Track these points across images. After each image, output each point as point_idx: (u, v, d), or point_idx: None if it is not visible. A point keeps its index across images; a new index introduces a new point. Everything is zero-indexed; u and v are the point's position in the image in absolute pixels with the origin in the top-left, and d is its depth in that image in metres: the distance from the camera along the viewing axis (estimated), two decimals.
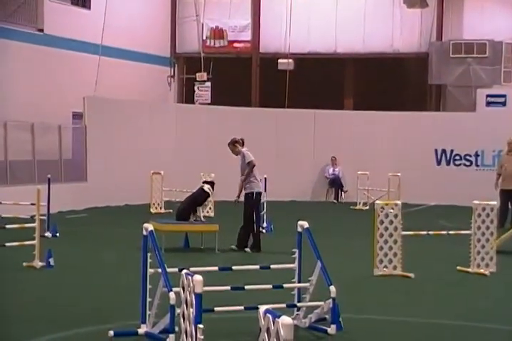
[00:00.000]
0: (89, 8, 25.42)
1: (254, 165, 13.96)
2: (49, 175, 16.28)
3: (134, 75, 27.13)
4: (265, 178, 17.21)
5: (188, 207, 14.40)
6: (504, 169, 18.00)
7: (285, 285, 8.09)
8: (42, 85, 23.20)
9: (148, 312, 7.57)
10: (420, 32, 28.31)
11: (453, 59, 27.04)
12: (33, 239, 11.69)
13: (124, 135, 22.90)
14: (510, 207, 17.75)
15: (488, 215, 12.08)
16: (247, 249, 13.71)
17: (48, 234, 15.08)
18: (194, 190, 15.19)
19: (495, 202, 12.48)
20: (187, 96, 29.97)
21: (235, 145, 14.27)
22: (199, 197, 14.56)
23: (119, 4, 25.70)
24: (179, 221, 14.22)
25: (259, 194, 13.94)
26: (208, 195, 14.59)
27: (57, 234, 15.25)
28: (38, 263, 11.60)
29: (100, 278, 11.17)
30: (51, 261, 11.65)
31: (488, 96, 25.81)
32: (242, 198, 13.91)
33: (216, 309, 7.47)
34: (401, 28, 28.42)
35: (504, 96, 25.62)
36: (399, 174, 23.08)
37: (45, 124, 21.36)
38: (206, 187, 14.62)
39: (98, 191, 21.46)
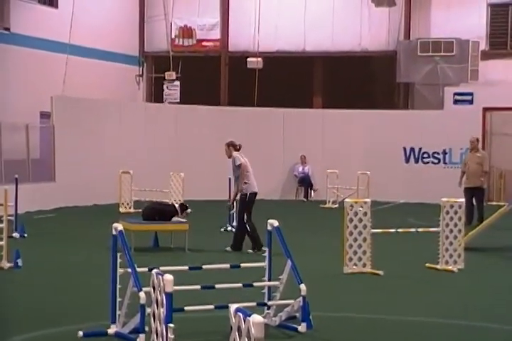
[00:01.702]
0: (57, 6, 25.24)
1: (240, 167, 13.95)
2: (16, 175, 16.14)
3: (102, 74, 26.99)
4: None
5: (154, 213, 14.11)
6: (467, 167, 18.25)
7: (255, 284, 8.10)
8: (9, 84, 23.02)
9: (118, 312, 7.54)
10: (388, 30, 28.45)
11: (420, 57, 27.19)
12: (1, 239, 11.59)
13: (93, 134, 22.78)
14: (475, 204, 17.91)
15: (456, 212, 12.18)
16: (250, 250, 13.52)
17: (15, 235, 14.96)
18: (164, 200, 14.95)
19: (463, 200, 12.59)
20: (156, 95, 29.88)
21: (229, 147, 14.28)
22: (166, 213, 14.16)
23: (86, 3, 25.54)
24: (146, 220, 14.07)
25: (253, 194, 13.89)
26: (175, 214, 14.24)
27: (25, 235, 15.14)
28: (5, 264, 11.51)
29: (69, 278, 11.10)
30: (19, 261, 11.56)
31: (455, 94, 26.01)
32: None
33: (186, 308, 7.45)
34: (369, 26, 28.54)
35: (471, 94, 25.83)
36: (368, 172, 23.19)
37: (12, 124, 21.19)
38: (177, 206, 14.40)
39: (66, 191, 21.33)
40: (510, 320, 8.93)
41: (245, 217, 13.83)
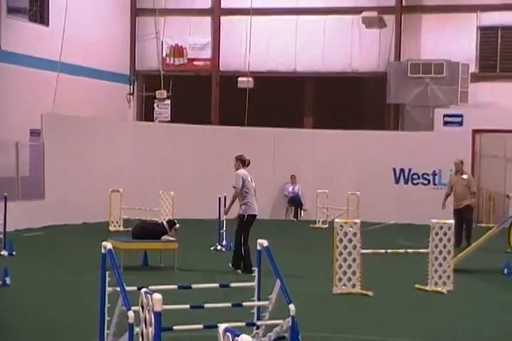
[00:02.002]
0: (48, 24, 25.28)
1: (237, 190, 13.84)
2: (6, 193, 16.09)
3: (92, 92, 27.00)
4: (225, 196, 17.18)
5: (144, 232, 14.06)
6: (454, 190, 18.42)
7: (244, 304, 8.07)
8: None
9: (106, 331, 7.49)
10: (379, 52, 28.60)
11: (411, 79, 27.32)
12: None
13: (83, 152, 22.75)
14: (464, 225, 18.01)
15: (445, 234, 12.19)
16: (238, 271, 13.49)
17: (4, 253, 14.91)
18: (154, 219, 14.88)
19: (452, 221, 12.60)
20: (146, 113, 29.91)
21: (237, 161, 14.14)
22: (156, 232, 14.05)
23: (77, 21, 25.58)
24: (136, 239, 14.03)
25: (251, 216, 13.80)
26: (165, 233, 14.23)
27: (14, 253, 15.07)
28: None
29: (58, 296, 11.05)
30: (7, 279, 11.50)
31: (445, 116, 26.10)
32: (231, 215, 14.32)
33: (175, 328, 7.41)
34: (360, 47, 28.69)
35: (461, 116, 25.92)
36: (358, 192, 23.21)
37: (2, 141, 21.14)
38: (165, 224, 14.34)
39: (56, 209, 21.26)
40: None
41: (242, 239, 13.67)
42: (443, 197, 18.74)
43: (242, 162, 14.15)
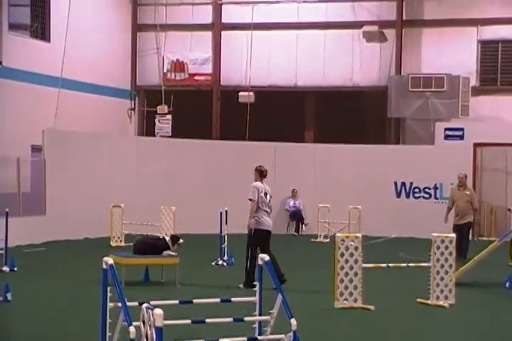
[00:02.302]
0: (49, 40, 25.36)
1: (256, 203, 13.58)
2: (7, 209, 16.08)
3: (94, 108, 27.07)
4: (226, 211, 17.18)
5: (146, 247, 14.03)
6: (456, 205, 18.23)
7: (246, 319, 8.05)
8: (0, 118, 23.03)
9: None
10: (379, 66, 28.66)
11: (411, 93, 27.36)
12: None
13: (84, 168, 22.76)
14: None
15: (446, 247, 12.17)
16: (240, 285, 13.24)
17: (5, 269, 14.89)
18: (155, 234, 14.79)
19: (453, 235, 12.57)
20: (147, 128, 29.95)
21: (255, 173, 13.82)
22: (158, 247, 14.01)
23: (78, 37, 25.68)
24: (137, 254, 14.01)
25: (259, 231, 13.40)
26: (166, 248, 14.13)
27: (15, 268, 15.05)
28: None
29: (59, 312, 11.03)
30: (8, 295, 11.48)
31: (446, 129, 26.12)
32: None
33: None
34: (360, 61, 28.75)
35: (462, 129, 25.94)
36: (359, 206, 23.20)
37: (3, 157, 21.16)
38: (168, 239, 14.31)
39: (57, 225, 21.24)
40: None
41: (249, 254, 13.40)
42: (445, 210, 18.62)
43: (260, 173, 13.79)
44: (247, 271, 13.36)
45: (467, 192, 18.41)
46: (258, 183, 13.77)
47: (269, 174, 25.88)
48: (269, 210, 13.75)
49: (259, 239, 13.47)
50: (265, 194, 13.74)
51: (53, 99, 23.58)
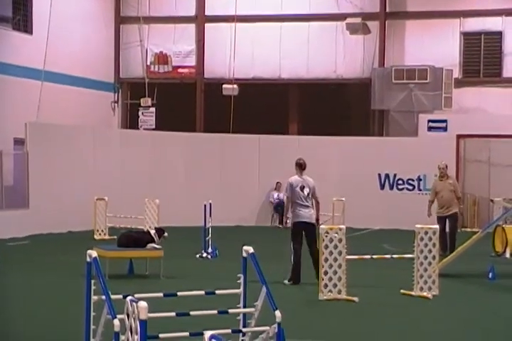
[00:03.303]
0: (31, 33, 25.23)
1: (288, 199, 13.62)
2: None
3: (77, 101, 26.96)
4: (210, 203, 17.18)
5: (130, 241, 13.99)
6: (441, 196, 17.57)
7: (230, 311, 8.06)
8: None
9: (92, 340, 7.47)
10: (363, 58, 28.70)
11: (395, 84, 27.42)
12: None
13: (67, 161, 22.68)
14: (448, 233, 17.48)
15: (430, 239, 12.22)
16: (285, 281, 13.15)
17: None
18: (139, 227, 14.75)
19: (437, 226, 12.63)
20: (131, 121, 29.88)
21: (295, 166, 13.77)
22: (142, 240, 13.96)
23: (61, 29, 25.56)
24: (121, 247, 13.98)
25: (297, 223, 13.28)
26: (151, 242, 14.14)
27: None
28: None
29: (43, 305, 11.00)
30: None
31: (429, 121, 26.21)
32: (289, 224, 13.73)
33: (161, 335, 7.39)
34: (344, 54, 28.77)
35: (445, 121, 26.04)
36: (343, 199, 23.24)
37: None
38: (153, 232, 14.30)
39: (40, 218, 21.18)
40: None
41: (292, 247, 13.28)
42: (427, 204, 17.97)
43: (297, 166, 13.72)
44: (293, 266, 13.22)
45: (450, 181, 17.95)
46: (293, 178, 13.67)
47: (253, 166, 26.29)
48: (306, 203, 13.48)
49: (297, 231, 13.35)
50: (302, 188, 13.54)
51: (36, 92, 23.47)
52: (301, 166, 13.74)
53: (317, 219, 13.66)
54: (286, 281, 13.15)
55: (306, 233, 13.33)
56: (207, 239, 16.85)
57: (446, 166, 18.27)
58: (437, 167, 18.19)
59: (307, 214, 13.41)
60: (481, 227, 19.45)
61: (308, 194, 13.53)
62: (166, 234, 14.17)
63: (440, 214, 17.59)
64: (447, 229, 17.35)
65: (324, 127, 27.59)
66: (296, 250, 13.23)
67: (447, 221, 17.52)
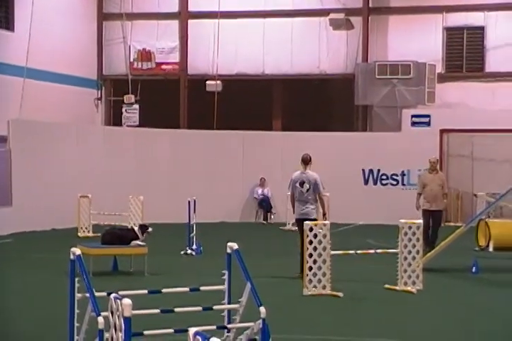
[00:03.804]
0: (13, 30, 25.06)
1: (291, 195, 13.65)
2: None
3: (60, 98, 26.83)
4: (194, 200, 17.17)
5: (114, 238, 13.96)
6: (430, 189, 17.16)
7: (215, 307, 8.06)
8: None
9: (76, 338, 7.46)
10: (346, 53, 28.72)
11: (378, 80, 27.46)
12: None
13: (51, 158, 22.61)
14: (432, 228, 17.33)
15: (414, 234, 12.26)
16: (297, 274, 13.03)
17: None
18: (124, 224, 14.73)
19: (421, 221, 12.67)
20: (115, 118, 29.79)
21: (300, 162, 13.76)
22: (127, 238, 13.96)
23: (44, 26, 25.41)
24: (106, 245, 13.94)
25: (296, 220, 13.43)
26: (135, 237, 14.09)
27: None
28: None
29: (27, 304, 10.97)
30: None
31: (413, 116, 26.29)
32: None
33: (146, 332, 7.39)
34: (327, 49, 28.79)
35: (428, 116, 26.12)
36: (327, 194, 23.22)
37: None
38: (136, 229, 14.26)
39: (24, 215, 21.09)
40: (467, 340, 8.99)
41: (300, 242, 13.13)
42: (416, 197, 17.46)
43: (301, 161, 13.76)
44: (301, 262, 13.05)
45: (439, 176, 17.77)
46: (295, 173, 13.75)
47: (236, 162, 26.28)
48: (305, 199, 13.49)
49: (298, 227, 13.42)
50: (301, 183, 13.58)
51: (18, 89, 23.35)
52: (304, 161, 13.79)
53: (324, 214, 13.71)
54: (297, 274, 13.07)
55: (299, 229, 13.36)
56: (191, 235, 16.85)
57: (437, 160, 18.15)
58: (428, 161, 17.87)
59: (302, 211, 13.45)
60: (464, 222, 19.49)
61: (308, 189, 13.54)
62: (149, 229, 14.15)
63: (427, 207, 17.21)
64: (431, 224, 17.22)
65: (308, 123, 27.61)
66: (302, 246, 13.24)
67: (432, 215, 17.37)
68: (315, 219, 13.13)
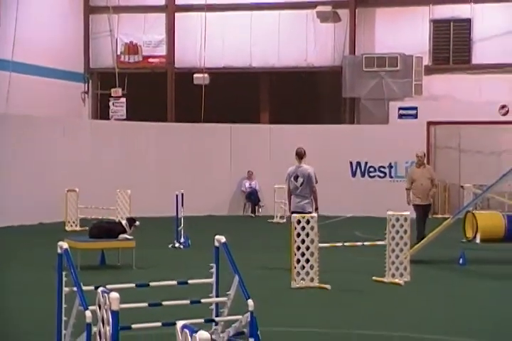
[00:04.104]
0: None
1: (288, 189, 13.63)
2: None
3: (46, 91, 26.70)
4: (182, 193, 17.16)
5: (102, 232, 13.93)
6: (420, 184, 16.78)
7: (203, 300, 8.08)
8: None
9: (64, 332, 7.45)
10: (333, 46, 28.71)
11: (366, 72, 27.47)
12: None
13: (38, 152, 22.54)
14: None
15: (401, 226, 12.29)
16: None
17: None
18: (111, 218, 14.67)
19: (408, 213, 12.67)
20: (102, 112, 29.70)
21: (295, 156, 13.71)
22: (114, 231, 13.93)
23: (29, 19, 25.29)
24: (93, 238, 13.92)
25: (293, 214, 13.04)
26: (123, 231, 14.06)
27: None
28: None
29: (14, 298, 10.95)
30: None
31: (400, 108, 26.33)
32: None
33: (134, 326, 7.40)
34: (315, 42, 28.77)
35: (415, 108, 26.16)
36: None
37: None
38: (124, 222, 14.24)
39: (11, 210, 21.03)
40: (455, 331, 9.03)
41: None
42: (405, 192, 17.03)
43: (297, 155, 13.73)
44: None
45: (428, 170, 17.68)
46: (290, 168, 13.73)
47: (224, 156, 26.26)
48: (299, 193, 13.46)
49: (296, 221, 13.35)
50: (296, 177, 13.57)
51: (5, 83, 23.27)
52: (298, 155, 13.79)
53: (316, 208, 13.60)
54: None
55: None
56: (179, 228, 16.84)
57: (425, 154, 17.90)
58: (415, 155, 17.77)
59: (297, 205, 13.43)
60: (451, 213, 19.57)
61: (302, 183, 13.54)
62: (137, 222, 14.13)
63: (419, 201, 17.02)
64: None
65: (295, 115, 27.61)
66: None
67: (423, 209, 17.33)
68: (310, 213, 13.10)
